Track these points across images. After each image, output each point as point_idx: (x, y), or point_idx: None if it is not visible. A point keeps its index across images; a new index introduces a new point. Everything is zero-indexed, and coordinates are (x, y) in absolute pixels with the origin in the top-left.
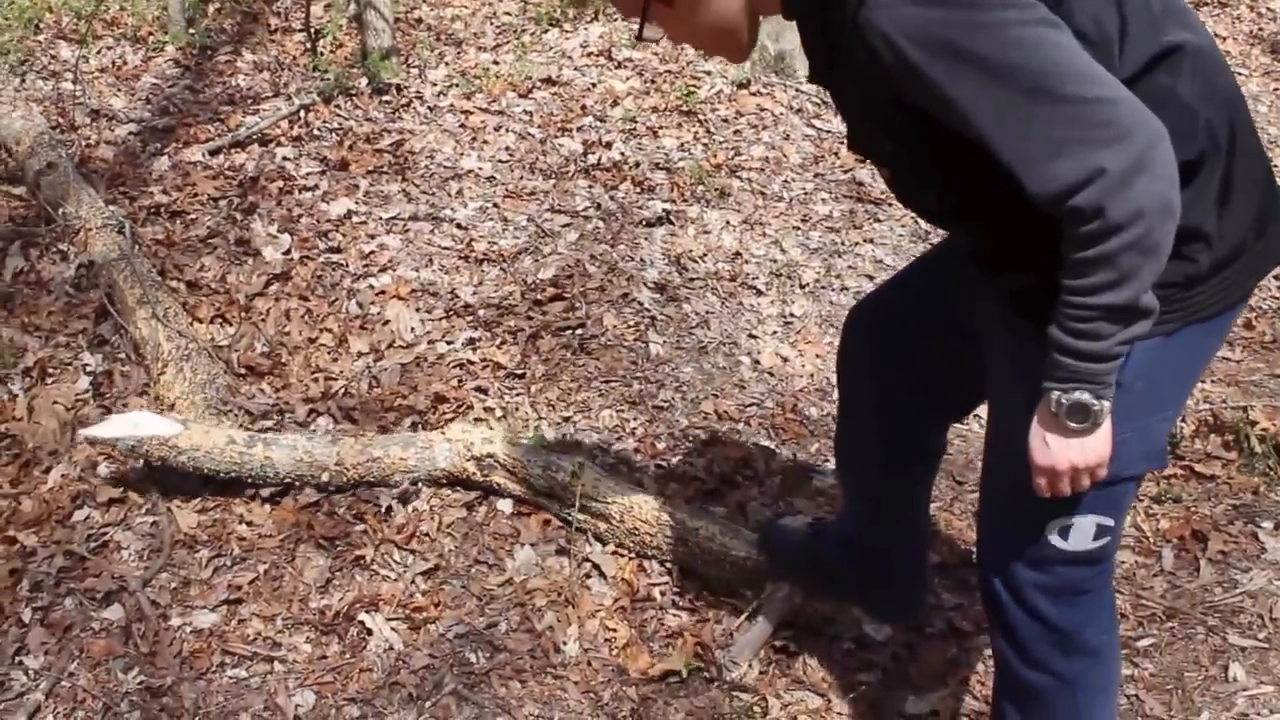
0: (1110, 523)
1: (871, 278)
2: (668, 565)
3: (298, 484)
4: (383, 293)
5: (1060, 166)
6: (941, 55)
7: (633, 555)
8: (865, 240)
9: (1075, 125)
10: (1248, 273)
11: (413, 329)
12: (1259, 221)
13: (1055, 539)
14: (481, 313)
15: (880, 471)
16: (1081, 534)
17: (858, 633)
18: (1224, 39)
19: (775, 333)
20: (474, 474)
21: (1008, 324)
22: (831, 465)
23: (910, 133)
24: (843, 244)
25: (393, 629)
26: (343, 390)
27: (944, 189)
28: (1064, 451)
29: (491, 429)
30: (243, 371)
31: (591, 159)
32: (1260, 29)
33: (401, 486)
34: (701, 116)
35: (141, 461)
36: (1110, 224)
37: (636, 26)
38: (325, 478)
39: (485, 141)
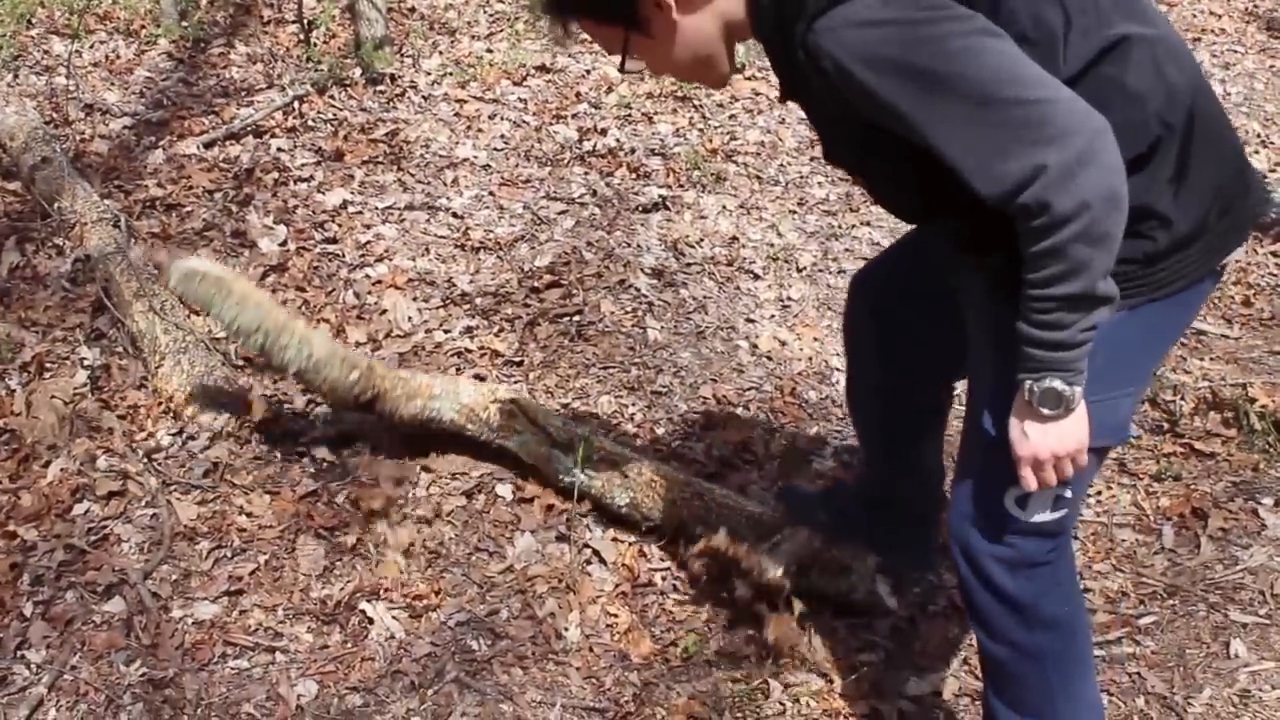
0: (1069, 494)
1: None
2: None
3: (323, 381)
4: (379, 282)
5: (1006, 167)
6: (887, 72)
7: (632, 542)
8: (862, 223)
9: (1017, 127)
10: (1211, 250)
11: (410, 318)
12: (1222, 200)
13: (1013, 509)
14: (479, 301)
15: (889, 425)
16: (1040, 503)
17: (869, 590)
18: (1219, 17)
19: (773, 316)
20: (493, 418)
21: (987, 294)
22: (831, 448)
23: (877, 145)
24: (839, 227)
25: (394, 617)
26: None
27: (917, 194)
28: (1042, 439)
29: None
30: (240, 363)
31: (587, 146)
32: (1255, 6)
33: (423, 415)
34: (696, 102)
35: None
36: (1057, 217)
37: (618, 60)
38: (353, 377)
39: (480, 130)
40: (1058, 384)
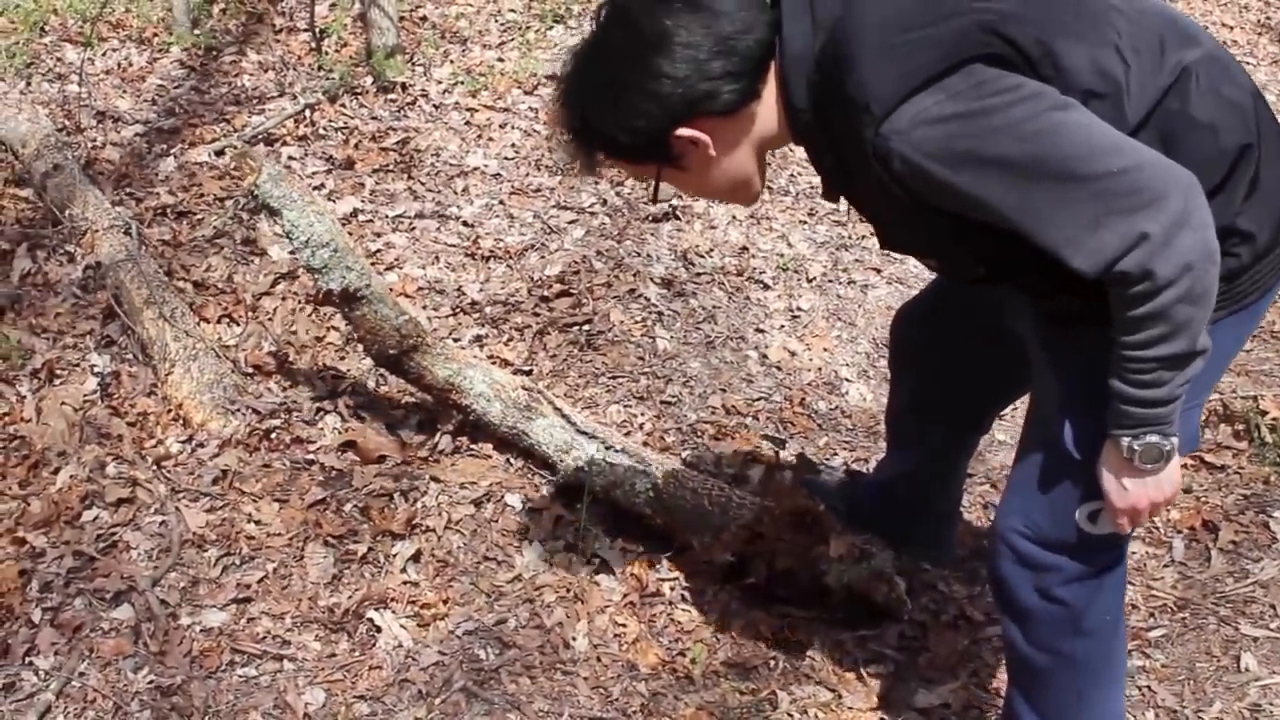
0: None
1: (879, 270)
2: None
3: (373, 315)
4: (389, 290)
5: (1103, 239)
6: (965, 166)
7: (641, 552)
8: (872, 233)
9: (1109, 199)
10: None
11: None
12: None
13: (1084, 523)
14: (488, 310)
15: (924, 442)
16: (1108, 519)
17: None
18: (1231, 28)
19: (783, 327)
20: (520, 397)
21: (1043, 320)
22: (841, 459)
23: (946, 227)
24: (849, 237)
25: (402, 626)
26: (350, 389)
27: (986, 265)
28: (1142, 490)
29: None
30: (250, 371)
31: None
32: (1268, 18)
33: (454, 380)
34: None
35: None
36: (1160, 282)
37: (650, 189)
38: (402, 320)
39: (491, 139)
40: (1157, 439)
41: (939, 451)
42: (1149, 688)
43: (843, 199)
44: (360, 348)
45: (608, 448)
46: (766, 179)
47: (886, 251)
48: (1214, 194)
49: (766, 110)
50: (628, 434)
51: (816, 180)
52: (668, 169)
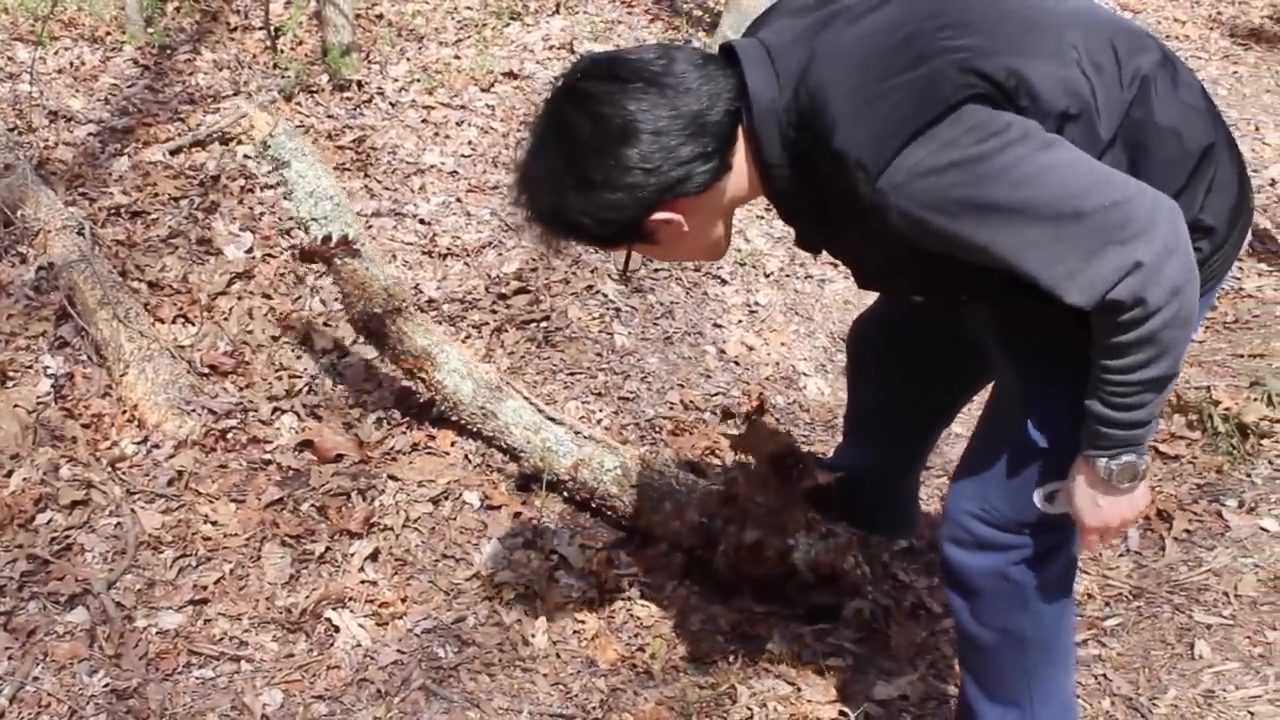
0: None
1: (835, 265)
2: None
3: (363, 271)
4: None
5: (1099, 271)
6: (962, 214)
7: (600, 548)
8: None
9: (1103, 232)
10: (1235, 245)
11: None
12: (1240, 193)
13: (1041, 503)
14: (445, 307)
15: (887, 438)
16: (1064, 499)
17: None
18: (1183, 23)
19: (740, 322)
20: (491, 378)
21: (1000, 321)
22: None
23: (936, 266)
24: None
25: (360, 625)
26: (307, 388)
27: (972, 293)
28: (1115, 508)
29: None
30: (206, 371)
31: None
32: (1219, 13)
33: (429, 352)
34: None
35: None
36: (1151, 308)
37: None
38: (389, 281)
39: (447, 136)
40: (1133, 458)
41: (901, 448)
42: (1105, 675)
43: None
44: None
45: (576, 432)
46: (730, 239)
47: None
48: (1180, 193)
49: (737, 174)
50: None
51: None
52: (640, 245)
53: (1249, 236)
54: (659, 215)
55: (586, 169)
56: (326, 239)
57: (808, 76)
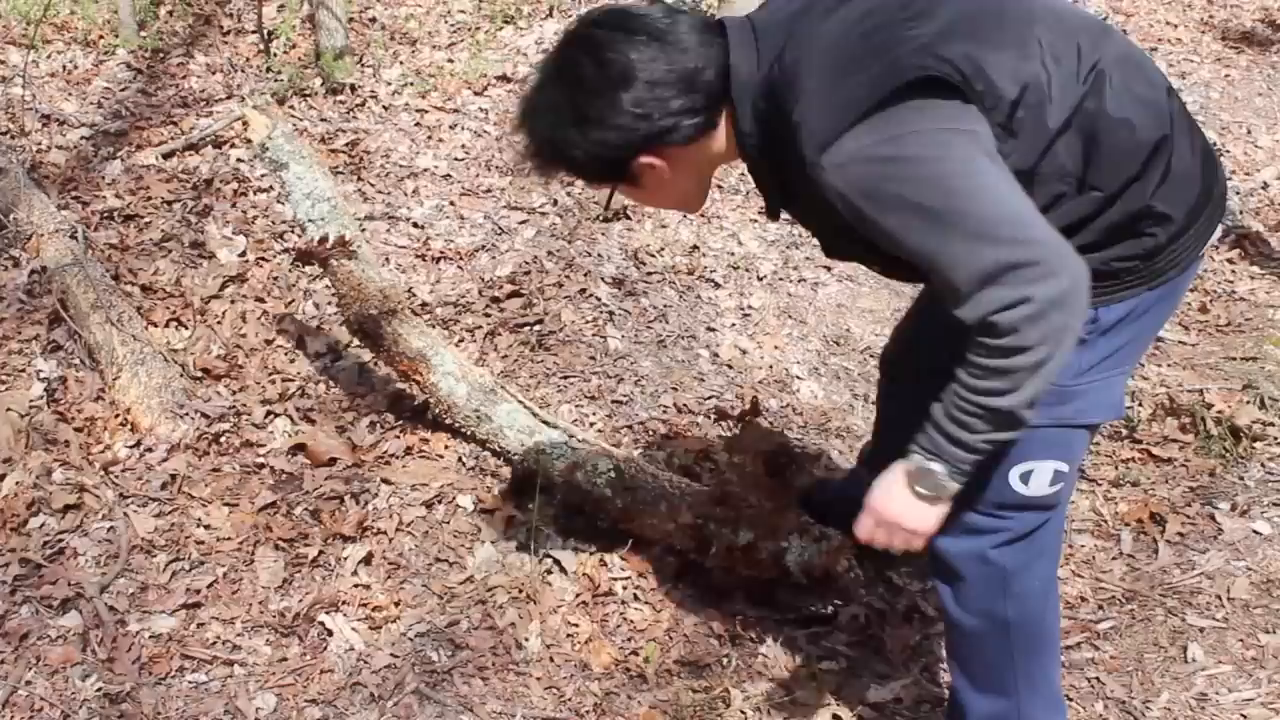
0: (1066, 469)
1: (829, 268)
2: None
3: (359, 274)
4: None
5: (993, 293)
6: (891, 207)
7: (593, 552)
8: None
9: (1014, 263)
10: (1200, 235)
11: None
12: (1204, 187)
13: (1016, 484)
14: (439, 311)
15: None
16: (1041, 479)
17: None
18: (1175, 26)
19: (734, 325)
20: (486, 381)
21: None
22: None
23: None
24: (800, 236)
25: (353, 629)
26: (300, 391)
27: (914, 269)
28: (900, 508)
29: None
30: (199, 374)
31: None
32: (1211, 16)
33: (425, 353)
34: None
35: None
36: (1021, 345)
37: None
38: (386, 283)
39: (441, 140)
40: (940, 471)
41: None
42: (1098, 679)
43: (785, 214)
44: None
45: (570, 435)
46: (716, 180)
47: (832, 259)
48: (1132, 181)
49: (719, 134)
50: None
51: None
52: (623, 185)
53: (1218, 232)
54: (645, 159)
55: (584, 106)
56: (323, 240)
57: (783, 55)
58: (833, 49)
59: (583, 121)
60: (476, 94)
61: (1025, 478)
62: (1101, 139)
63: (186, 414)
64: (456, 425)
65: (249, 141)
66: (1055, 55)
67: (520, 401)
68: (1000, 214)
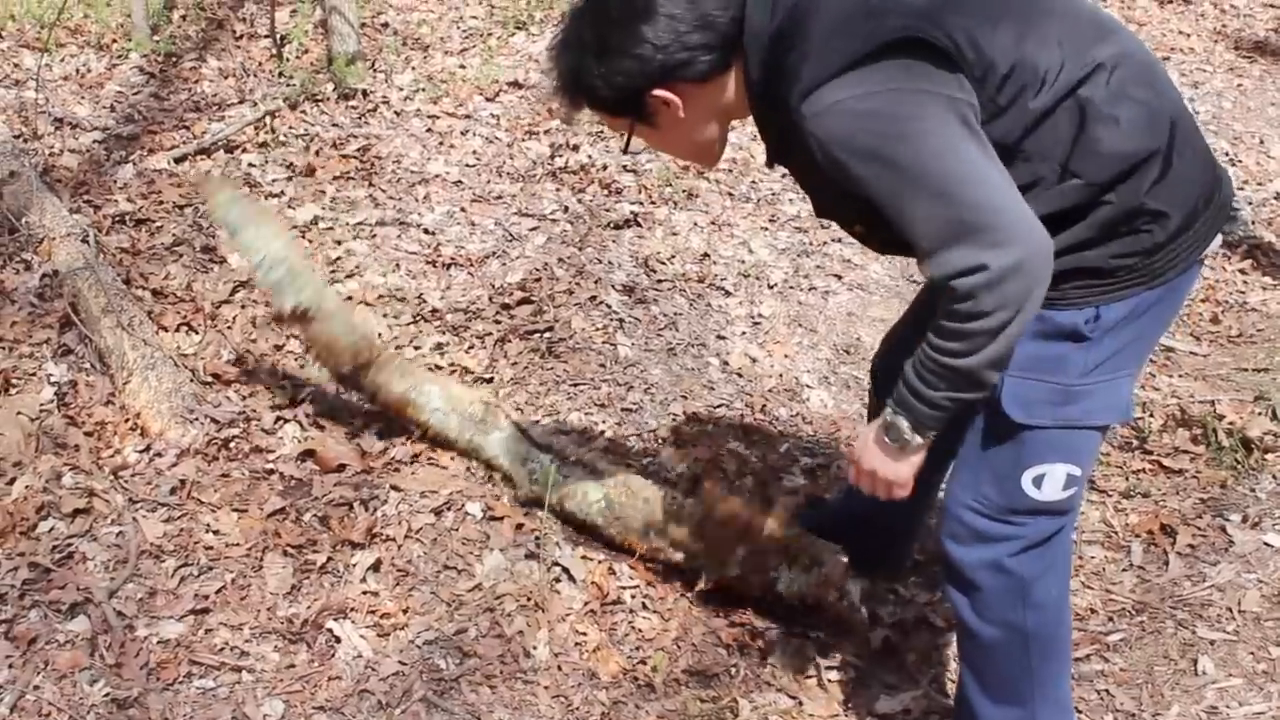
0: (1078, 472)
1: (839, 277)
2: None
3: (326, 334)
4: (350, 298)
5: (954, 255)
6: (866, 160)
7: (601, 560)
8: (833, 239)
9: (973, 226)
10: (1200, 237)
11: (380, 334)
12: (1204, 189)
13: (1030, 488)
14: (449, 317)
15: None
16: (1054, 483)
17: (840, 588)
18: (1188, 36)
19: (744, 333)
20: (475, 411)
21: None
22: (801, 465)
23: (864, 203)
24: (810, 244)
25: (361, 636)
26: (310, 397)
27: (897, 237)
28: (872, 457)
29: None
30: (209, 379)
31: (559, 162)
32: (1224, 25)
33: (409, 396)
34: None
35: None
36: (977, 310)
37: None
38: (356, 337)
39: (452, 146)
40: (904, 424)
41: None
42: (1107, 691)
43: (780, 168)
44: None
45: (563, 459)
46: (727, 188)
47: (821, 220)
48: (1123, 179)
49: (734, 82)
50: (590, 440)
51: (777, 187)
52: (640, 125)
53: (1217, 241)
54: (660, 92)
55: (606, 37)
56: (279, 314)
57: (794, 9)
58: (838, 7)
59: (604, 52)
60: (488, 100)
61: (1038, 482)
62: (1088, 128)
63: (196, 419)
64: (459, 453)
65: (261, 146)
66: (1057, 40)
67: (514, 424)
68: (966, 177)
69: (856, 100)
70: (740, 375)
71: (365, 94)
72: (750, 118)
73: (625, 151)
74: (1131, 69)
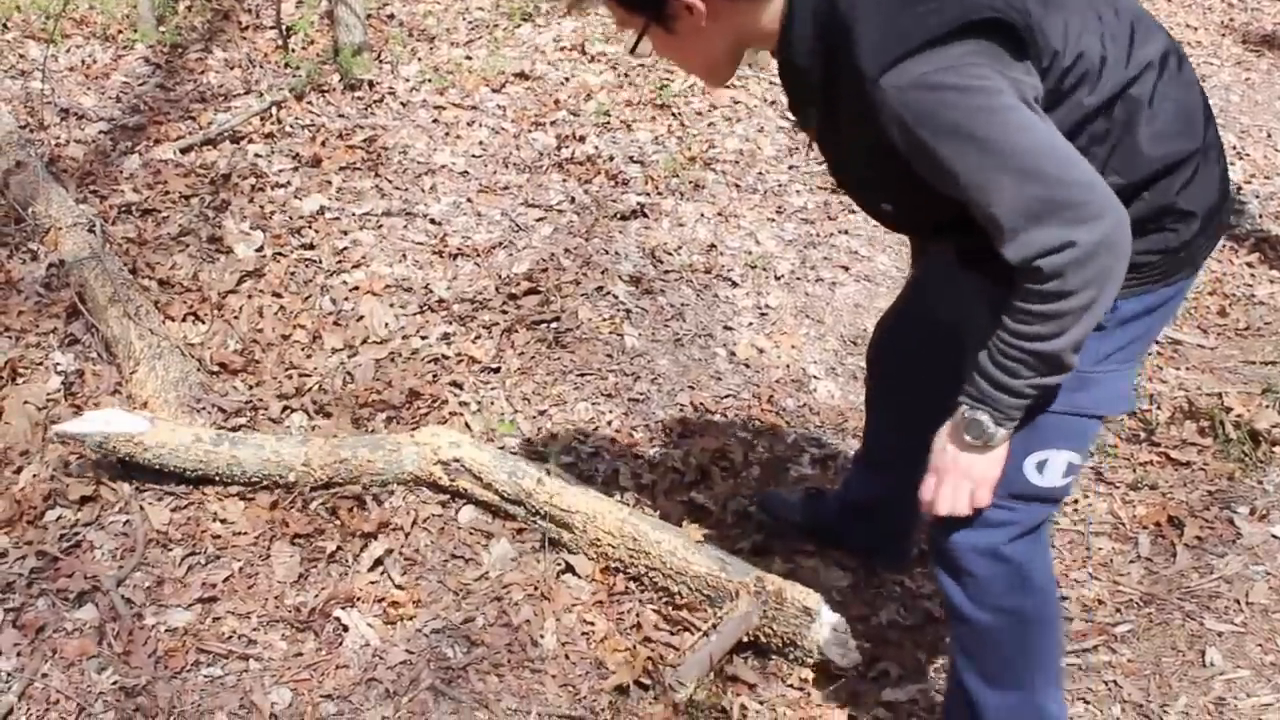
0: (1078, 460)
1: (846, 268)
2: (629, 574)
3: (265, 483)
4: (356, 289)
5: (1038, 235)
6: (948, 136)
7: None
8: (840, 231)
9: (1055, 203)
10: (1213, 236)
11: (387, 325)
12: (1223, 189)
13: (1032, 473)
14: (456, 307)
15: (909, 462)
16: (1055, 469)
17: (818, 659)
18: (1195, 29)
19: (751, 324)
20: (440, 478)
21: (982, 293)
22: (808, 455)
23: (906, 181)
24: (817, 235)
25: (369, 625)
26: (316, 386)
27: (929, 215)
28: (955, 460)
29: (462, 432)
30: (216, 369)
31: (565, 153)
32: (1231, 19)
33: (370, 490)
34: (675, 109)
35: (113, 459)
36: (1066, 289)
37: (630, 41)
38: (292, 478)
39: (458, 136)
40: (985, 418)
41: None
42: (1115, 682)
43: (805, 119)
44: (326, 344)
45: (533, 512)
46: (734, 179)
47: (834, 181)
48: (1159, 178)
49: (768, 12)
50: (595, 431)
51: (784, 179)
52: (656, 26)
53: (1220, 241)
54: None
55: None
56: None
57: None
58: None
59: None
60: (494, 91)
61: (1041, 467)
62: (1136, 128)
63: (203, 408)
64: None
65: (267, 136)
66: (1113, 35)
67: (479, 482)
68: (1051, 152)
69: (940, 74)
70: (747, 366)
71: (371, 85)
72: (769, 55)
73: (631, 53)
74: (1172, 66)
